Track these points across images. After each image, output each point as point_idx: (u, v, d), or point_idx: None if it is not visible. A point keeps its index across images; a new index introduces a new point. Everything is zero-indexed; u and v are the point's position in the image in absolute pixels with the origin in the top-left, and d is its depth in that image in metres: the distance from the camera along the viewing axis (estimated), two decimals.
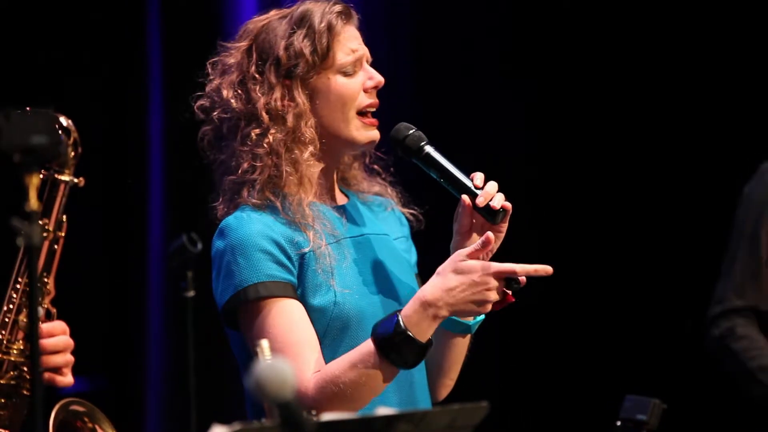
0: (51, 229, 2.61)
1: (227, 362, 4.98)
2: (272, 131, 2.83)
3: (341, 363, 2.69)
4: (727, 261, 3.92)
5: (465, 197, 2.76)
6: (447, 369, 2.96)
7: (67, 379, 2.62)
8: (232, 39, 2.94)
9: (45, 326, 2.59)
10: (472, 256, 2.67)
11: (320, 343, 2.76)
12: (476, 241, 2.72)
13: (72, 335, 2.63)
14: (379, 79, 2.88)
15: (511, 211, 2.76)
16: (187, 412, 4.54)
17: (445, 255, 2.77)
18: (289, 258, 2.77)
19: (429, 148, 2.82)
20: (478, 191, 2.75)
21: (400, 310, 2.67)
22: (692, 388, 4.80)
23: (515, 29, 5.19)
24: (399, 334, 2.64)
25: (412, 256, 3.05)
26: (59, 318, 2.64)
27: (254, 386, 1.85)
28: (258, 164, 2.82)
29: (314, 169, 2.86)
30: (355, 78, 2.87)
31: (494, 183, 2.76)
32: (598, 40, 5.11)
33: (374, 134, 2.88)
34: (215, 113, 2.89)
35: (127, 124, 5.18)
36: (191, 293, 4.57)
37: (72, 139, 2.63)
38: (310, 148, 2.83)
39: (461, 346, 2.94)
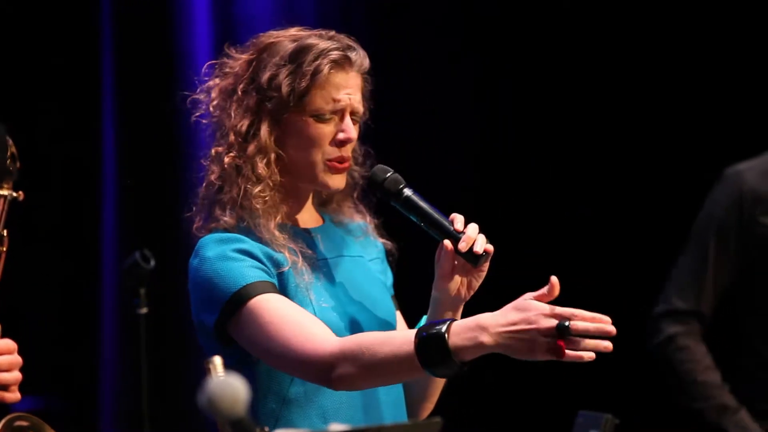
0: None
1: (180, 379, 4.99)
2: (231, 154, 2.79)
3: (379, 335, 2.63)
4: (677, 262, 3.94)
5: (447, 242, 2.72)
6: (430, 394, 2.94)
7: (14, 395, 2.60)
8: (242, 45, 2.87)
9: None
10: (537, 299, 2.58)
11: None
12: (458, 282, 2.74)
13: (24, 353, 2.62)
14: (348, 135, 2.79)
15: (492, 254, 2.73)
16: (141, 430, 4.53)
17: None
18: (269, 268, 2.73)
19: (408, 192, 2.76)
20: (460, 235, 2.71)
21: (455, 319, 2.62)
22: (645, 403, 4.82)
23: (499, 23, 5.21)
24: (436, 334, 2.55)
25: (388, 278, 3.01)
26: (9, 335, 2.62)
27: (206, 403, 1.84)
28: (220, 183, 2.79)
29: (278, 195, 2.82)
30: (328, 126, 2.79)
31: (475, 225, 2.73)
32: (583, 38, 5.13)
33: (337, 182, 2.82)
34: (197, 113, 2.86)
35: (79, 141, 5.16)
36: (144, 310, 4.55)
37: (9, 152, 2.60)
38: (263, 185, 2.78)
39: None
